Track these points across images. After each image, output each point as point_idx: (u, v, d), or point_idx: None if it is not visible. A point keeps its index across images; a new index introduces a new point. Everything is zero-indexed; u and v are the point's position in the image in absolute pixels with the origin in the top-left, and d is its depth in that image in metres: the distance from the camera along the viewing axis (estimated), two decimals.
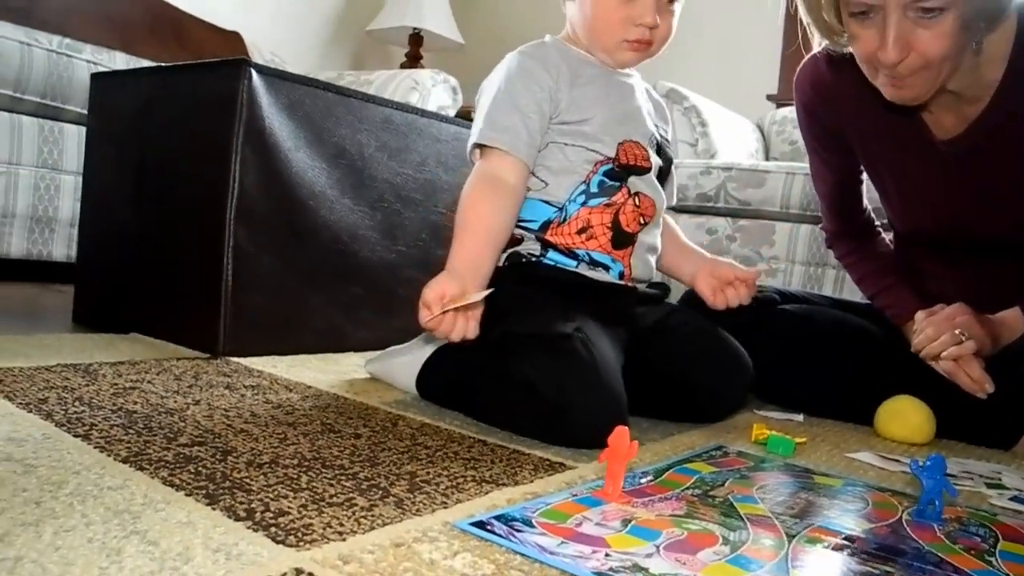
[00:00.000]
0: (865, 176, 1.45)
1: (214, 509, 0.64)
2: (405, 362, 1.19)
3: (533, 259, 1.16)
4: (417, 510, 0.70)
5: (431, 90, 2.60)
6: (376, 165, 1.53)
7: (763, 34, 3.13)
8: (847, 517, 0.80)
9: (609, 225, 1.15)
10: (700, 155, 2.59)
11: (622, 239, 1.17)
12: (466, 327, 1.00)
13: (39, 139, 1.99)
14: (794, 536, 0.72)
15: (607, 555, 0.62)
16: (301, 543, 0.59)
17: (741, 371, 1.21)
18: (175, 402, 0.98)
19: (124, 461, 0.74)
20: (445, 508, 0.71)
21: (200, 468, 0.74)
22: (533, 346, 1.02)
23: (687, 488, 0.83)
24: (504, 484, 0.80)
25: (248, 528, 0.61)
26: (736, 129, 2.83)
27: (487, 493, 0.76)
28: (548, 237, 1.15)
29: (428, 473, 0.81)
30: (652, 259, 1.23)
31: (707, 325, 1.24)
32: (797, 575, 0.63)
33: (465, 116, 2.78)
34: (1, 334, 1.33)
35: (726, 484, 0.87)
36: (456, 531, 0.65)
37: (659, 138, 1.24)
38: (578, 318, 1.05)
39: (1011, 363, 1.27)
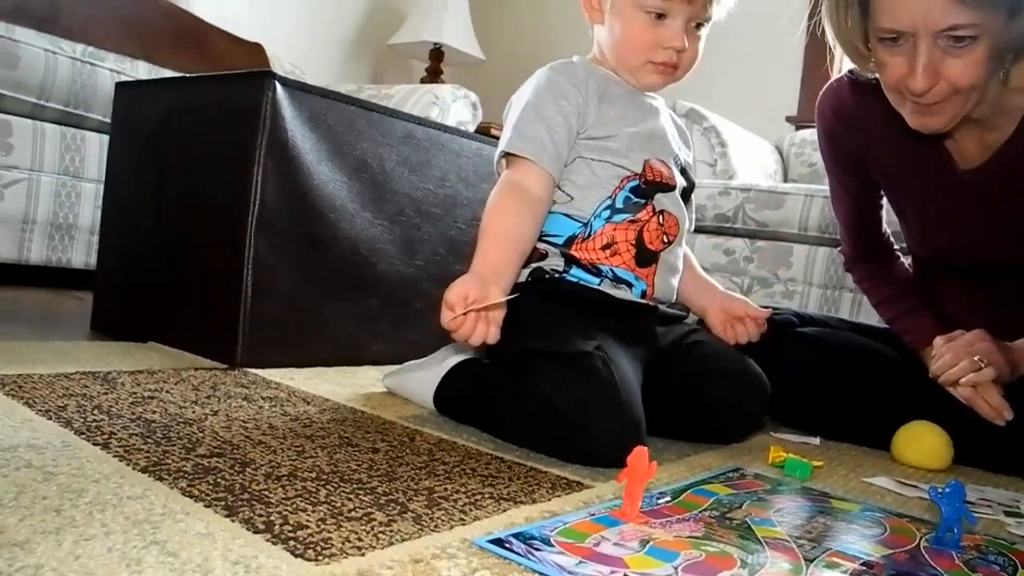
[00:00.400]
0: (884, 200, 1.45)
1: (233, 521, 0.64)
2: (423, 377, 1.19)
3: (556, 275, 1.16)
4: (435, 526, 0.69)
5: (451, 105, 2.62)
6: (397, 179, 1.53)
7: (783, 56, 3.13)
8: (865, 542, 0.80)
9: (633, 242, 1.16)
10: (719, 175, 2.59)
11: (645, 257, 1.17)
12: (487, 331, 0.98)
13: (61, 146, 2.00)
14: (812, 560, 0.71)
15: None
16: (320, 557, 0.59)
17: (759, 389, 1.21)
18: (193, 412, 0.98)
19: (143, 471, 0.74)
20: (463, 525, 0.71)
21: (219, 479, 0.74)
22: (552, 363, 1.01)
23: (705, 510, 0.83)
24: (522, 502, 0.80)
25: (267, 541, 0.61)
26: (755, 150, 2.83)
27: (505, 511, 0.76)
28: (573, 252, 1.15)
29: (446, 489, 0.81)
30: (674, 281, 1.23)
31: (725, 344, 1.24)
32: None
33: (484, 132, 2.80)
34: (20, 340, 1.34)
35: (744, 506, 0.86)
36: (475, 548, 0.65)
37: (683, 161, 1.25)
38: (598, 336, 1.05)
39: None
